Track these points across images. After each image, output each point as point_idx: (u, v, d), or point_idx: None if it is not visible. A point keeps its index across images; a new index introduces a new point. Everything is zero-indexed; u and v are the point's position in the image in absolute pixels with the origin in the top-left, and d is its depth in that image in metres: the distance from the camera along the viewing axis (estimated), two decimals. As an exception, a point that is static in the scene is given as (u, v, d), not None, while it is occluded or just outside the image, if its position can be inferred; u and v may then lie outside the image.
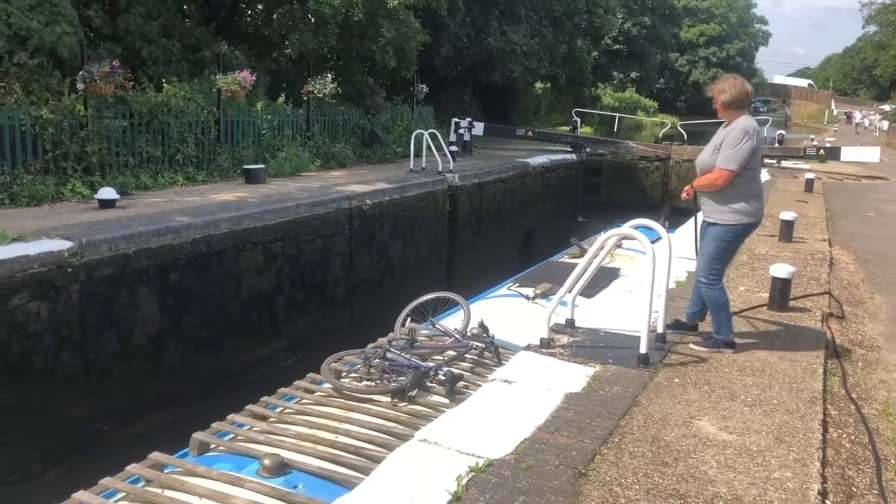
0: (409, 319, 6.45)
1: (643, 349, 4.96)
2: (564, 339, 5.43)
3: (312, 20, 15.13)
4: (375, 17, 15.34)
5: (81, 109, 10.30)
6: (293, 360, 10.63)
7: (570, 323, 5.69)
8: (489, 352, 5.74)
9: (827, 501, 3.56)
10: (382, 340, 6.03)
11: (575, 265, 7.18)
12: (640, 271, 7.77)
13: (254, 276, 10.02)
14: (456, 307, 6.92)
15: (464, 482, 3.38)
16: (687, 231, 11.53)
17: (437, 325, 6.23)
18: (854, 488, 3.78)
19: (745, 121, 5.09)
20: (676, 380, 4.83)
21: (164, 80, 12.22)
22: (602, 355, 5.12)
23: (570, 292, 5.52)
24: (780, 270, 6.58)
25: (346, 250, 12.02)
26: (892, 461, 4.11)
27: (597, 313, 6.24)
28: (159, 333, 8.61)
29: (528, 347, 5.27)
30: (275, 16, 16.30)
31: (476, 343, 5.78)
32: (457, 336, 5.84)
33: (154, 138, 11.68)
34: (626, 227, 5.13)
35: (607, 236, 5.23)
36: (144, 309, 8.42)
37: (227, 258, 9.61)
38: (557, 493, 3.35)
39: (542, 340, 5.23)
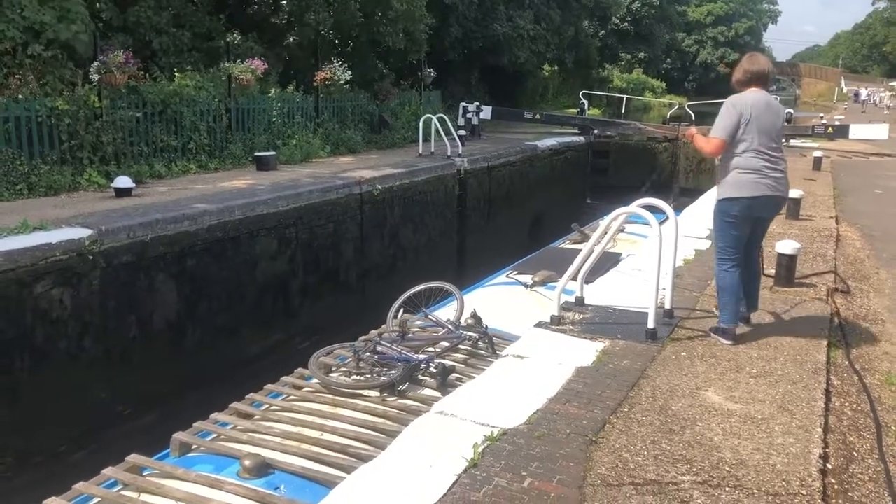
0: (401, 311, 6.29)
1: (651, 324, 5.11)
2: (574, 317, 5.58)
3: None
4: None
5: (96, 100, 10.45)
6: (307, 344, 10.82)
7: (580, 301, 5.83)
8: (483, 342, 5.66)
9: (828, 465, 3.71)
10: (374, 333, 5.90)
11: (576, 251, 7.28)
12: (644, 254, 7.80)
13: (268, 262, 10.21)
14: (450, 297, 6.80)
15: (480, 450, 3.54)
16: (695, 210, 11.65)
17: (429, 317, 6.09)
18: (855, 453, 3.92)
19: (740, 94, 5.07)
20: (683, 353, 4.98)
21: (175, 70, 12.35)
22: (611, 331, 5.27)
23: (580, 271, 5.64)
24: (786, 247, 6.70)
25: (357, 235, 12.20)
26: (893, 428, 4.24)
27: (604, 292, 6.36)
28: (177, 318, 8.82)
29: (539, 325, 5.42)
30: (284, 1, 16.41)
31: (469, 334, 5.68)
32: (450, 327, 5.70)
33: (167, 127, 11.87)
34: (634, 206, 5.26)
35: (617, 213, 5.35)
36: (162, 294, 8.62)
37: (242, 244, 9.79)
38: (569, 460, 3.52)
39: (552, 317, 5.38)
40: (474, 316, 6.03)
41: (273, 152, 13.15)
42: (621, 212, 5.33)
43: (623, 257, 8.12)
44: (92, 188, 10.28)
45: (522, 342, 5.10)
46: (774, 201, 5.03)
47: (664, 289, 5.48)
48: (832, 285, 6.91)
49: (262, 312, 10.10)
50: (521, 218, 18.07)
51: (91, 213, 8.64)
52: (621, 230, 8.12)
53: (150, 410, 8.22)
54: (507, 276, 7.87)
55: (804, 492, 3.31)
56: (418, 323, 6.16)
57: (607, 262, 7.51)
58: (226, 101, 13.07)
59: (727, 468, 3.53)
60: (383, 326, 6.16)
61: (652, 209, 5.30)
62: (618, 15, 39.98)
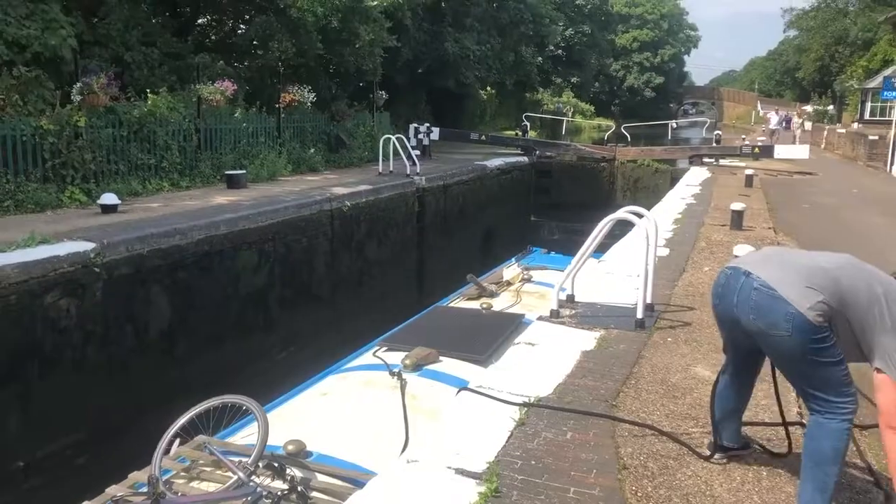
0: (177, 442, 4.38)
1: (640, 315, 5.87)
2: (568, 311, 6.29)
3: (287, 28, 15.74)
4: (351, 22, 16.04)
5: (80, 120, 10.74)
6: (284, 355, 11.30)
7: (571, 298, 6.55)
8: (290, 502, 3.76)
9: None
10: (114, 490, 4.10)
11: (468, 314, 6.92)
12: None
13: (249, 275, 10.65)
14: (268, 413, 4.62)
15: (523, 412, 4.19)
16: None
17: (216, 454, 4.15)
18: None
19: None
20: (669, 339, 5.75)
21: (148, 91, 12.69)
22: (604, 322, 6.01)
23: (573, 272, 6.36)
24: (741, 250, 7.59)
25: (328, 250, 12.72)
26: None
27: (585, 293, 7.09)
28: (170, 328, 9.19)
29: (540, 318, 6.11)
30: (241, 26, 16.90)
31: (266, 490, 3.77)
32: (240, 475, 3.86)
33: (142, 146, 12.18)
34: (621, 212, 6.03)
35: (608, 219, 6.09)
36: (158, 305, 9.00)
37: (226, 258, 10.22)
38: (598, 418, 4.20)
39: (551, 311, 6.09)
40: (276, 459, 4.06)
41: (243, 171, 13.58)
42: (611, 218, 6.08)
43: (527, 321, 6.54)
44: (74, 205, 10.55)
45: (529, 333, 5.78)
46: (749, 288, 3.17)
47: (637, 289, 6.17)
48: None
49: (243, 323, 10.52)
50: (475, 233, 18.87)
51: (87, 228, 8.96)
52: (528, 279, 8.41)
53: (143, 418, 8.56)
54: (373, 353, 6.01)
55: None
56: (208, 457, 4.24)
57: (509, 325, 6.49)
58: (195, 121, 13.45)
59: (726, 422, 4.27)
60: (149, 467, 4.15)
61: (636, 215, 6.08)
62: (552, 43, 41.61)
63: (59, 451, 7.61)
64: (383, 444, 4.38)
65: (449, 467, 3.53)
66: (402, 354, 5.66)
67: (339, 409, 4.94)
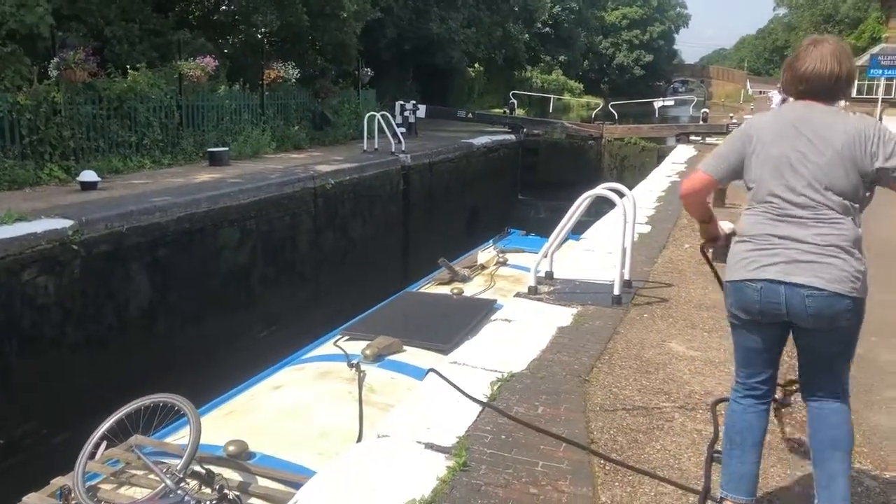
0: (103, 445, 4.03)
1: (616, 291, 5.88)
2: (546, 288, 6.29)
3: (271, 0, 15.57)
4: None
5: (57, 96, 10.60)
6: (266, 333, 11.29)
7: (549, 275, 6.56)
8: None
9: (776, 395, 4.52)
10: (34, 499, 3.74)
11: (439, 299, 6.70)
12: (519, 307, 5.84)
13: (230, 253, 10.60)
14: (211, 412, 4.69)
15: (496, 387, 4.20)
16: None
17: (144, 458, 3.87)
18: (795, 387, 4.76)
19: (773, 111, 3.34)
20: (646, 315, 5.77)
21: (128, 67, 12.54)
22: (581, 298, 6.02)
23: (550, 247, 6.36)
24: (723, 226, 7.58)
25: (311, 228, 12.66)
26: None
27: (564, 270, 7.10)
28: (150, 306, 9.15)
29: (518, 294, 6.12)
30: (224, 1, 16.70)
31: (194, 498, 3.49)
32: (168, 482, 3.56)
33: (123, 123, 12.07)
34: (600, 189, 6.02)
35: (585, 196, 6.09)
36: (137, 283, 8.94)
37: (208, 235, 10.16)
38: (569, 393, 4.21)
39: (529, 288, 6.10)
40: (210, 462, 3.83)
41: (226, 148, 13.48)
42: (589, 194, 6.08)
43: (497, 306, 6.26)
44: (53, 183, 10.45)
45: (507, 309, 5.78)
46: (803, 298, 2.77)
47: (613, 266, 6.16)
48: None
49: (224, 301, 10.48)
50: (460, 211, 18.84)
51: (66, 205, 8.87)
52: (503, 263, 8.17)
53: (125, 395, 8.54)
54: (334, 342, 5.73)
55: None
56: (140, 461, 3.90)
57: (478, 312, 6.18)
58: (177, 97, 13.32)
59: (698, 397, 4.30)
60: (53, 483, 3.86)
61: (615, 192, 6.07)
62: (541, 19, 41.37)
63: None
64: (334, 442, 4.11)
65: (419, 442, 3.54)
66: (364, 344, 5.37)
67: (291, 405, 4.61)
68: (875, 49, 27.08)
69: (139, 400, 4.09)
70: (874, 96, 25.50)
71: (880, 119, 22.88)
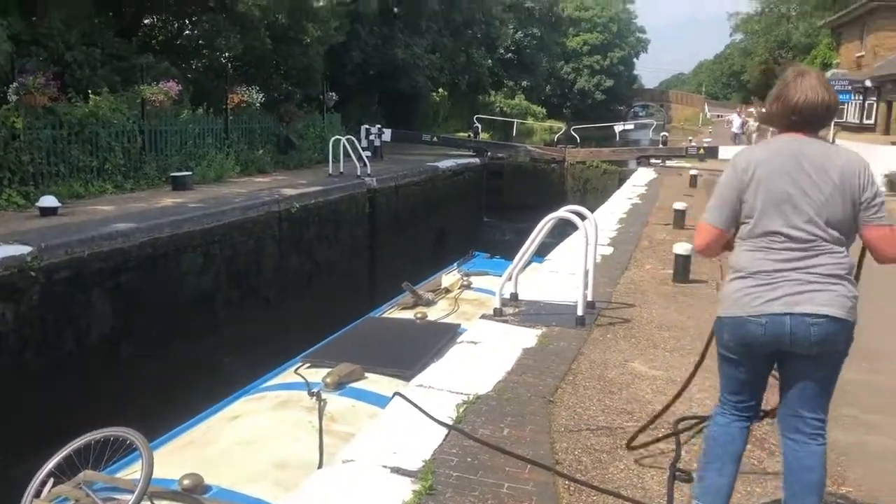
0: (50, 483, 3.83)
1: (580, 312, 5.96)
2: (511, 310, 6.35)
3: (234, 24, 15.57)
4: (299, 20, 15.93)
5: (15, 120, 10.47)
6: (230, 359, 11.16)
7: (514, 296, 6.62)
8: None
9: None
10: None
11: (402, 324, 6.61)
12: (483, 328, 5.88)
13: (194, 278, 10.50)
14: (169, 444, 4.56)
15: (462, 410, 4.23)
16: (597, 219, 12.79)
17: (93, 495, 3.70)
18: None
19: (758, 144, 3.30)
20: (609, 335, 5.85)
21: (90, 91, 12.44)
22: (545, 320, 6.08)
23: (514, 270, 6.43)
24: (681, 248, 7.76)
25: (276, 252, 12.61)
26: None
27: (529, 291, 7.17)
28: (112, 332, 9.02)
29: (483, 316, 6.16)
30: (188, 25, 16.67)
31: None
32: None
33: (84, 148, 11.94)
34: (562, 211, 6.11)
35: (548, 218, 6.17)
36: (98, 309, 8.81)
37: (171, 260, 10.07)
38: (534, 414, 4.25)
39: (494, 310, 6.15)
40: (166, 497, 3.73)
41: (189, 173, 13.39)
42: (551, 217, 6.17)
43: (461, 330, 6.19)
44: (11, 208, 10.29)
45: (472, 331, 5.82)
46: (809, 326, 2.85)
47: (576, 287, 6.23)
48: (720, 280, 8.01)
49: (187, 327, 10.36)
50: (427, 234, 18.89)
51: (25, 231, 8.75)
52: (468, 286, 8.11)
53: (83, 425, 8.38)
54: (294, 370, 5.62)
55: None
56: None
57: (442, 336, 6.09)
58: (140, 122, 13.22)
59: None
60: None
61: (577, 215, 6.17)
62: (503, 45, 41.92)
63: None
64: (293, 473, 4.01)
65: (384, 466, 3.54)
66: (325, 371, 5.24)
67: (249, 435, 4.48)
68: (827, 74, 27.87)
69: (89, 434, 3.90)
70: (827, 120, 26.19)
71: (833, 141, 23.52)
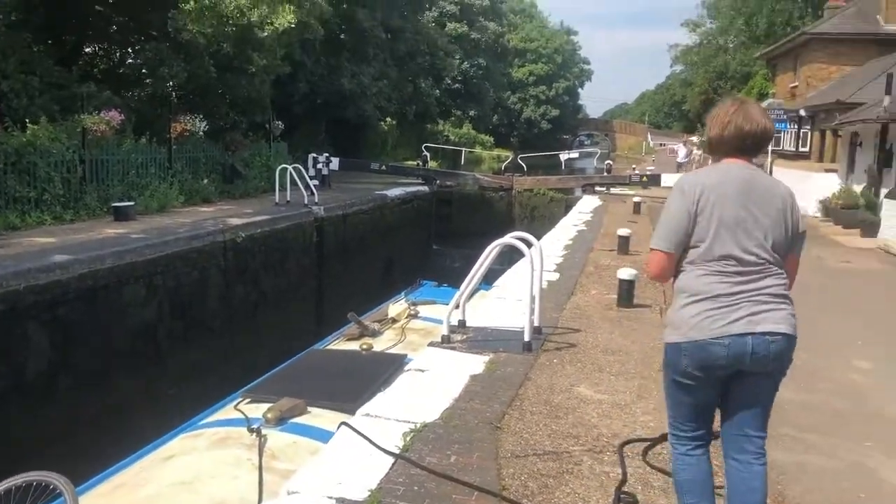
0: None
1: (527, 337, 6.00)
2: (459, 337, 6.36)
3: (178, 52, 15.42)
4: (244, 50, 15.86)
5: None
6: (175, 391, 10.91)
7: (462, 323, 6.63)
8: None
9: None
10: None
11: (346, 356, 6.54)
12: (431, 357, 5.76)
13: (137, 310, 10.27)
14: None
15: (409, 438, 4.20)
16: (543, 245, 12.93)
17: None
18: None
19: (703, 169, 3.34)
20: (555, 360, 5.90)
21: (27, 121, 12.16)
22: (493, 346, 6.11)
23: (462, 297, 6.45)
24: (625, 273, 7.89)
25: (221, 282, 12.42)
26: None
27: (477, 318, 7.19)
28: (50, 367, 8.74)
29: (431, 344, 6.15)
30: (130, 53, 16.47)
31: None
32: None
33: (21, 178, 11.63)
34: (508, 238, 6.17)
35: (494, 244, 6.22)
36: (36, 343, 8.54)
37: (112, 292, 9.83)
38: (482, 441, 4.25)
39: (442, 337, 6.15)
40: None
41: (131, 203, 13.14)
42: (497, 244, 6.22)
43: (408, 360, 6.15)
44: (-57, 241, 9.95)
45: (420, 359, 5.80)
46: (765, 345, 2.94)
47: (523, 313, 6.27)
48: (663, 305, 8.16)
49: (129, 360, 10.10)
50: (375, 262, 18.85)
51: (-44, 263, 8.46)
52: (415, 315, 8.12)
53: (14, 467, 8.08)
54: (235, 406, 5.42)
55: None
56: None
57: (388, 368, 6.07)
58: (80, 151, 12.96)
59: (605, 440, 4.41)
60: None
61: (523, 241, 6.24)
62: (450, 75, 42.39)
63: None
64: None
65: (329, 497, 3.49)
66: (266, 406, 5.07)
67: (185, 476, 4.27)
68: (763, 104, 28.84)
69: (8, 480, 3.65)
70: (765, 149, 27.05)
71: (770, 171, 24.28)
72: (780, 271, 3.00)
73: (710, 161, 3.26)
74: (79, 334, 9.11)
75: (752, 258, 2.95)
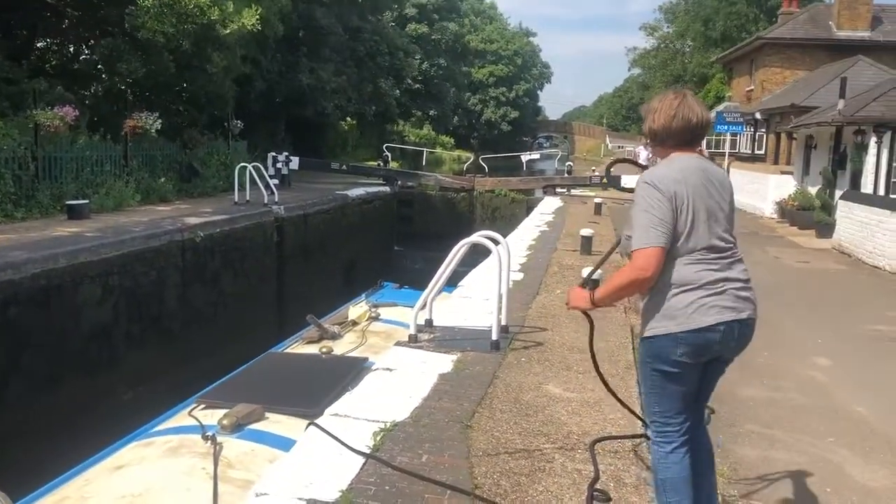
0: None
1: (494, 336, 5.96)
2: (426, 336, 6.30)
3: (136, 49, 15.09)
4: (204, 48, 15.56)
5: None
6: (131, 395, 10.66)
7: (429, 322, 6.56)
8: None
9: (648, 432, 4.68)
10: None
11: (304, 359, 6.40)
12: (397, 358, 5.68)
13: (91, 311, 10.00)
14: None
15: (379, 438, 4.13)
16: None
17: None
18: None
19: (662, 165, 3.21)
20: (523, 359, 5.87)
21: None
22: (461, 345, 6.06)
23: (429, 296, 6.38)
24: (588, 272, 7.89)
25: (179, 282, 12.16)
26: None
27: (443, 317, 7.14)
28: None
29: (398, 343, 6.08)
30: (85, 49, 16.07)
31: None
32: None
33: (-31, 175, 11.27)
34: (476, 236, 6.13)
35: (462, 243, 6.17)
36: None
37: (66, 293, 9.56)
38: (452, 440, 4.20)
39: (410, 336, 6.09)
40: None
41: (86, 201, 12.81)
42: (466, 242, 6.17)
43: (369, 364, 5.99)
44: None
45: (388, 358, 5.73)
46: (742, 329, 3.10)
47: (490, 312, 6.25)
48: (627, 305, 8.19)
49: (86, 362, 9.84)
50: (337, 263, 18.65)
51: None
52: (376, 318, 7.94)
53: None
54: (189, 412, 5.24)
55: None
56: None
57: (348, 371, 5.88)
58: (33, 148, 12.59)
59: (576, 437, 4.39)
60: None
61: (490, 240, 6.20)
62: (411, 75, 42.33)
63: None
64: None
65: (299, 499, 3.41)
66: (221, 412, 4.87)
67: (134, 488, 4.06)
68: (720, 107, 29.28)
69: None
70: (722, 150, 27.50)
71: (728, 172, 24.70)
72: (741, 255, 3.18)
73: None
74: (30, 336, 8.83)
75: (723, 244, 3.09)
